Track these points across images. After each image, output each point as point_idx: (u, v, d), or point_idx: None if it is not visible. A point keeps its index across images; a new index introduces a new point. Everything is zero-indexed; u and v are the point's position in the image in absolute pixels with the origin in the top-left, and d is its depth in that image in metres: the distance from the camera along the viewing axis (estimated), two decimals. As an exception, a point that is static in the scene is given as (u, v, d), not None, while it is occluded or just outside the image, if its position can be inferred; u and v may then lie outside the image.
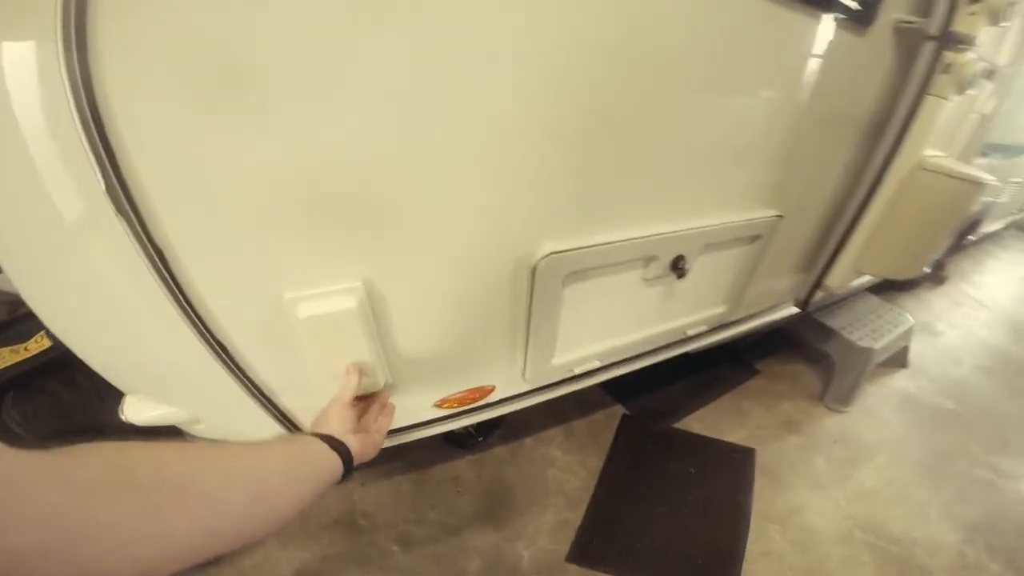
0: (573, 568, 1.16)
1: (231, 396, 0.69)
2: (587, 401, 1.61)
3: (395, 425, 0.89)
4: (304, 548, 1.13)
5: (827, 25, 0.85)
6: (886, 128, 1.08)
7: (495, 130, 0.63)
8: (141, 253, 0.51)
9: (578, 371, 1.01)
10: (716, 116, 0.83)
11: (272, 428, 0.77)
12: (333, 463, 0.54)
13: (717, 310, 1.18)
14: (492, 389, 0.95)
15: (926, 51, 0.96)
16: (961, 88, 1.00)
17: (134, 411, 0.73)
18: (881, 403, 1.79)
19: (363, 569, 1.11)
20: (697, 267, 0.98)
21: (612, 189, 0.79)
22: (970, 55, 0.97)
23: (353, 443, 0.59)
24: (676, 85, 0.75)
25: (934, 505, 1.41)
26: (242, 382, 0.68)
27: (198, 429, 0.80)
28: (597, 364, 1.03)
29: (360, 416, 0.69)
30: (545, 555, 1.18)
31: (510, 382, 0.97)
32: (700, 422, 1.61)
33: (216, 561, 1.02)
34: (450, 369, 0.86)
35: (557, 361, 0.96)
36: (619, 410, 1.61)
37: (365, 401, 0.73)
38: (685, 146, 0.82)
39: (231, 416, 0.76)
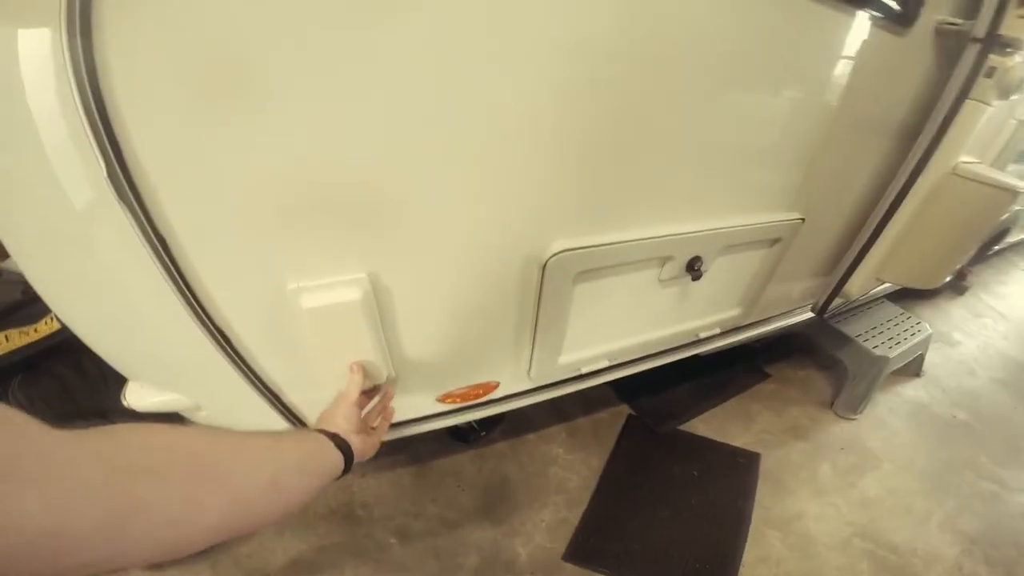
0: (569, 567, 1.17)
1: (232, 385, 0.70)
2: (592, 399, 1.62)
3: (398, 419, 0.90)
4: (301, 538, 1.15)
5: (865, 25, 0.83)
6: (921, 132, 1.05)
7: (506, 127, 0.61)
8: (143, 240, 0.51)
9: (585, 370, 1.01)
10: (742, 116, 0.81)
11: (272, 418, 0.78)
12: (337, 462, 0.56)
13: (731, 313, 1.17)
14: (496, 386, 0.96)
15: (969, 54, 0.93)
16: (1005, 93, 0.97)
17: (136, 397, 0.73)
18: (891, 412, 1.78)
19: (359, 561, 1.13)
20: (713, 269, 0.97)
21: (628, 187, 0.77)
22: (1017, 59, 0.93)
23: (356, 443, 0.60)
24: (701, 83, 0.73)
25: (936, 516, 1.42)
26: (243, 372, 0.68)
27: (200, 416, 0.81)
28: (605, 364, 1.03)
29: (362, 412, 0.70)
30: (542, 553, 1.19)
31: (515, 379, 0.97)
32: (706, 424, 1.61)
33: (212, 548, 1.05)
34: (454, 364, 0.86)
35: (564, 360, 0.95)
36: (624, 409, 1.62)
37: (368, 395, 0.73)
38: (708, 146, 0.80)
39: (233, 405, 0.77)
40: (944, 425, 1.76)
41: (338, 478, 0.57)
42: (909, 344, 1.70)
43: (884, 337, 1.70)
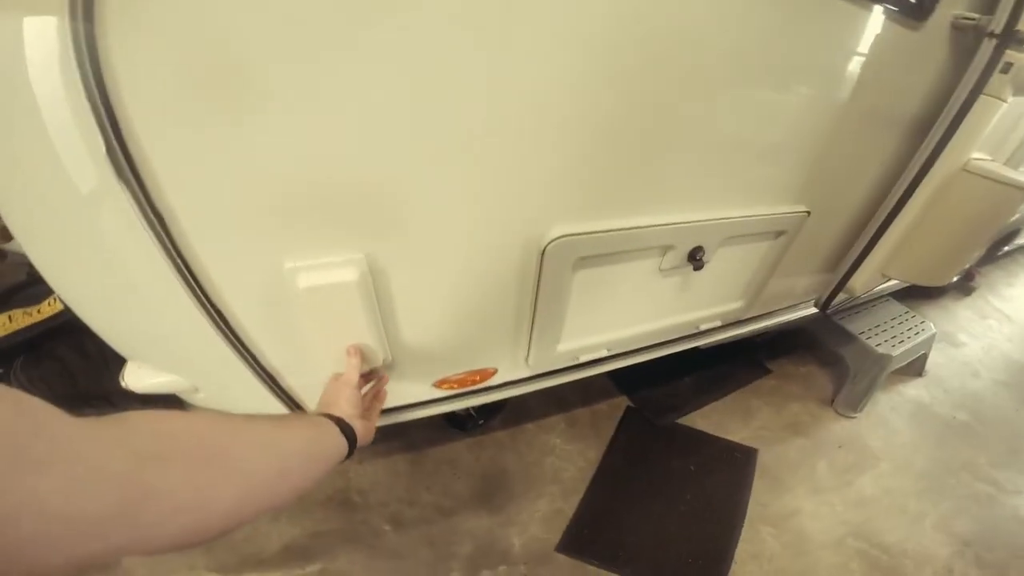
0: (562, 558, 1.19)
1: (229, 366, 0.71)
2: (592, 390, 1.63)
3: (393, 404, 0.91)
4: (296, 523, 1.17)
5: (878, 18, 0.82)
6: (932, 127, 1.05)
7: (508, 110, 0.61)
8: (141, 218, 0.52)
9: (584, 359, 1.02)
10: (750, 107, 0.80)
11: (269, 401, 0.79)
12: (341, 447, 0.57)
13: (733, 306, 1.18)
14: (494, 372, 0.97)
15: (986, 49, 0.93)
16: (1021, 89, 0.97)
17: (134, 378, 0.74)
18: (892, 411, 1.80)
19: (353, 547, 1.15)
20: (716, 260, 0.98)
21: (631, 174, 0.77)
22: (1035, 55, 0.93)
23: (359, 428, 0.61)
24: (711, 73, 0.72)
25: (930, 516, 1.44)
26: (240, 353, 0.69)
27: (197, 399, 0.82)
28: (604, 353, 1.04)
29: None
30: (536, 543, 1.21)
31: (513, 366, 0.98)
32: (705, 419, 1.63)
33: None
34: (452, 349, 0.87)
35: (562, 348, 0.96)
36: (624, 401, 1.64)
37: (364, 379, 0.74)
38: (714, 135, 0.80)
39: (229, 387, 0.78)
40: (944, 426, 1.78)
41: (341, 462, 0.58)
42: (912, 343, 1.71)
43: (887, 335, 1.71)
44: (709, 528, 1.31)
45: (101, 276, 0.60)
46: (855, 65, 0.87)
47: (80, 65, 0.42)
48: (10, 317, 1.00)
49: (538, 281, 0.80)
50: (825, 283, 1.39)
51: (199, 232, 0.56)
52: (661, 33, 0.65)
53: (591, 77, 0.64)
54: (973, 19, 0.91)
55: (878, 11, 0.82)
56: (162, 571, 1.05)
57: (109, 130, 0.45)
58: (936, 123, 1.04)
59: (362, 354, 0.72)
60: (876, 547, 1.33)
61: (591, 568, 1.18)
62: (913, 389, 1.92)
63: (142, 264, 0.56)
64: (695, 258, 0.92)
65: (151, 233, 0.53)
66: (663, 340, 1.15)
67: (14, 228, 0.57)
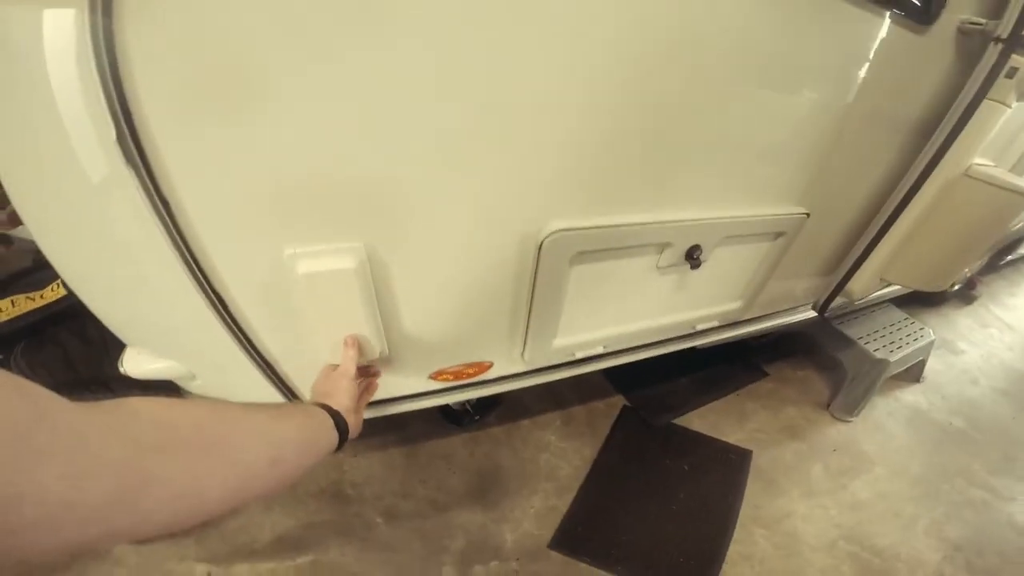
0: (554, 555, 1.21)
1: (227, 353, 0.72)
2: (588, 388, 1.65)
3: (390, 395, 0.93)
4: (289, 514, 1.19)
5: (885, 22, 0.84)
6: (935, 131, 1.06)
7: (509, 104, 0.63)
8: (147, 202, 0.53)
9: (580, 355, 1.04)
10: (753, 108, 0.82)
11: (266, 389, 0.80)
12: (333, 440, 0.58)
13: (731, 306, 1.19)
14: (490, 366, 0.98)
15: (991, 54, 0.94)
16: (1025, 95, 0.98)
17: (133, 364, 0.76)
18: (888, 416, 1.82)
19: (345, 539, 1.17)
20: (713, 259, 0.99)
21: (630, 171, 0.79)
22: (1040, 61, 0.95)
23: (352, 421, 0.62)
24: (714, 74, 0.74)
25: (923, 521, 1.46)
26: (239, 339, 0.70)
27: (194, 385, 0.83)
28: (600, 350, 1.05)
29: None
30: (529, 539, 1.23)
31: (509, 361, 0.99)
32: (701, 420, 1.65)
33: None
34: (448, 341, 0.88)
35: (559, 343, 0.98)
36: (620, 400, 1.66)
37: (360, 371, 0.75)
38: (716, 135, 0.82)
39: (227, 374, 0.79)
40: (941, 432, 1.81)
41: (331, 454, 0.58)
42: (911, 349, 1.73)
43: (886, 340, 1.73)
44: (702, 528, 1.33)
45: (105, 260, 0.62)
46: (859, 68, 0.88)
47: (97, 56, 0.44)
48: (13, 302, 1.01)
49: (535, 275, 0.81)
50: (824, 286, 1.41)
51: (202, 218, 0.57)
52: (664, 32, 0.67)
53: (593, 74, 0.65)
54: (980, 24, 0.93)
55: (885, 15, 0.83)
56: (154, 560, 1.06)
57: (121, 118, 0.47)
58: (939, 127, 1.06)
59: (359, 346, 0.73)
60: (868, 550, 1.35)
61: (583, 565, 1.20)
62: (911, 395, 1.95)
63: (146, 249, 0.57)
64: (692, 257, 0.93)
65: (156, 218, 0.54)
66: (660, 339, 1.16)
67: (21, 211, 0.59)
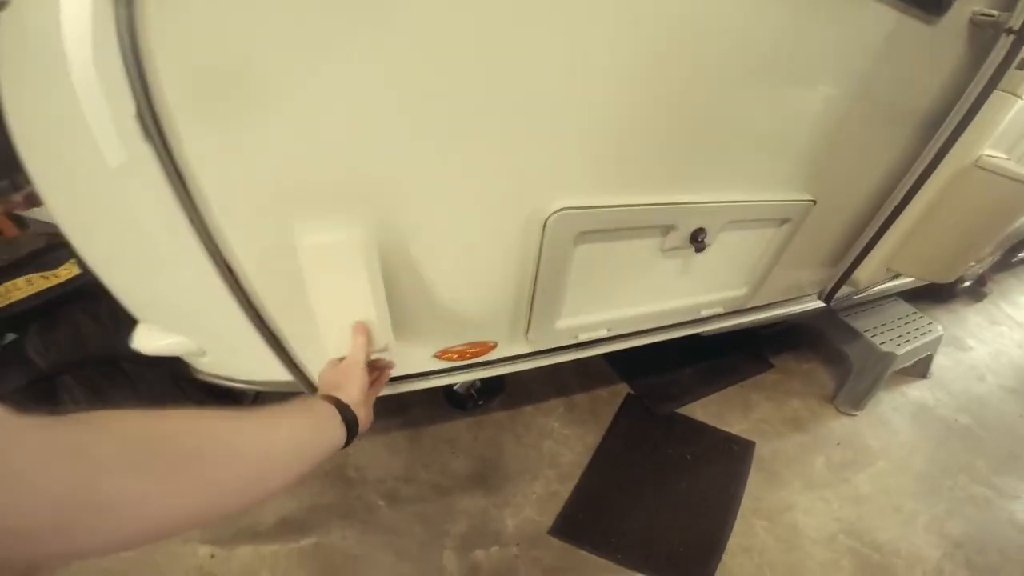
0: (555, 541, 1.23)
1: (237, 327, 0.74)
2: (592, 376, 1.68)
3: (394, 373, 0.95)
4: (293, 496, 1.21)
5: (895, 12, 0.84)
6: (944, 121, 1.07)
7: (516, 81, 0.64)
8: (163, 175, 0.55)
9: (584, 338, 1.05)
10: (762, 96, 0.83)
11: (275, 367, 0.82)
12: (338, 438, 0.56)
13: (735, 293, 1.21)
14: (494, 346, 1.00)
15: (1003, 45, 0.95)
16: (1036, 85, 0.99)
17: (144, 340, 0.78)
18: (893, 410, 1.84)
19: (347, 522, 1.19)
20: (718, 244, 1.01)
21: (637, 153, 0.80)
22: (1053, 52, 0.95)
23: (362, 416, 0.61)
24: (724, 60, 0.75)
25: (923, 517, 1.48)
26: (250, 315, 0.72)
27: (203, 363, 0.86)
28: (604, 333, 1.06)
29: None
30: (530, 525, 1.26)
31: (513, 341, 1.01)
32: (704, 409, 1.67)
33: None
34: (453, 320, 0.89)
35: (562, 324, 0.99)
36: (624, 388, 1.68)
37: (368, 367, 0.75)
38: (725, 121, 0.83)
39: (236, 350, 0.82)
40: (945, 428, 1.82)
41: (339, 450, 0.57)
42: (918, 343, 1.74)
43: (893, 334, 1.74)
44: (702, 519, 1.35)
45: (122, 236, 0.64)
46: (870, 58, 0.89)
47: (119, 36, 0.46)
48: (28, 280, 1.05)
49: (539, 254, 0.83)
50: (830, 275, 1.42)
51: (217, 194, 0.59)
52: (675, 18, 0.68)
53: (604, 55, 0.67)
54: (992, 15, 0.93)
55: (896, 5, 0.84)
56: (158, 542, 1.09)
57: (140, 92, 0.49)
58: (948, 117, 1.06)
59: (368, 334, 0.73)
60: (868, 545, 1.37)
61: (583, 552, 1.22)
62: (916, 390, 1.96)
63: (161, 219, 0.59)
64: (697, 240, 0.95)
65: (172, 193, 0.56)
66: (664, 324, 1.18)
67: (40, 187, 0.61)
